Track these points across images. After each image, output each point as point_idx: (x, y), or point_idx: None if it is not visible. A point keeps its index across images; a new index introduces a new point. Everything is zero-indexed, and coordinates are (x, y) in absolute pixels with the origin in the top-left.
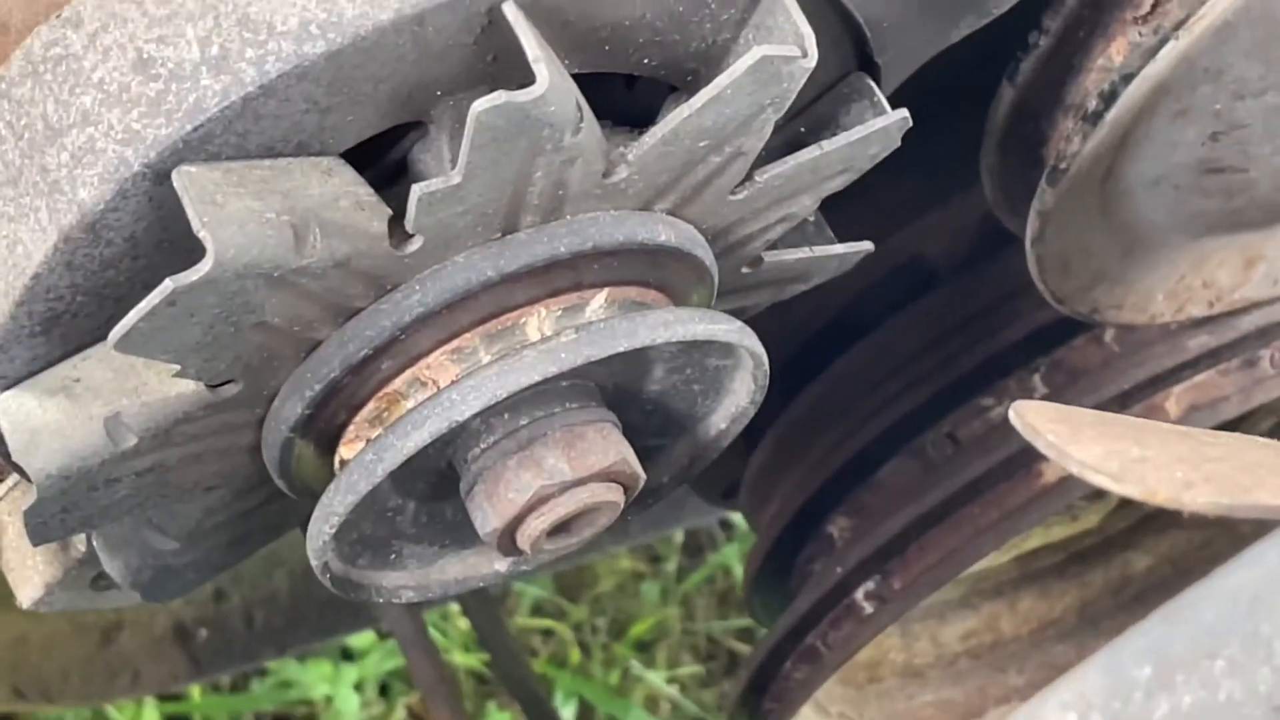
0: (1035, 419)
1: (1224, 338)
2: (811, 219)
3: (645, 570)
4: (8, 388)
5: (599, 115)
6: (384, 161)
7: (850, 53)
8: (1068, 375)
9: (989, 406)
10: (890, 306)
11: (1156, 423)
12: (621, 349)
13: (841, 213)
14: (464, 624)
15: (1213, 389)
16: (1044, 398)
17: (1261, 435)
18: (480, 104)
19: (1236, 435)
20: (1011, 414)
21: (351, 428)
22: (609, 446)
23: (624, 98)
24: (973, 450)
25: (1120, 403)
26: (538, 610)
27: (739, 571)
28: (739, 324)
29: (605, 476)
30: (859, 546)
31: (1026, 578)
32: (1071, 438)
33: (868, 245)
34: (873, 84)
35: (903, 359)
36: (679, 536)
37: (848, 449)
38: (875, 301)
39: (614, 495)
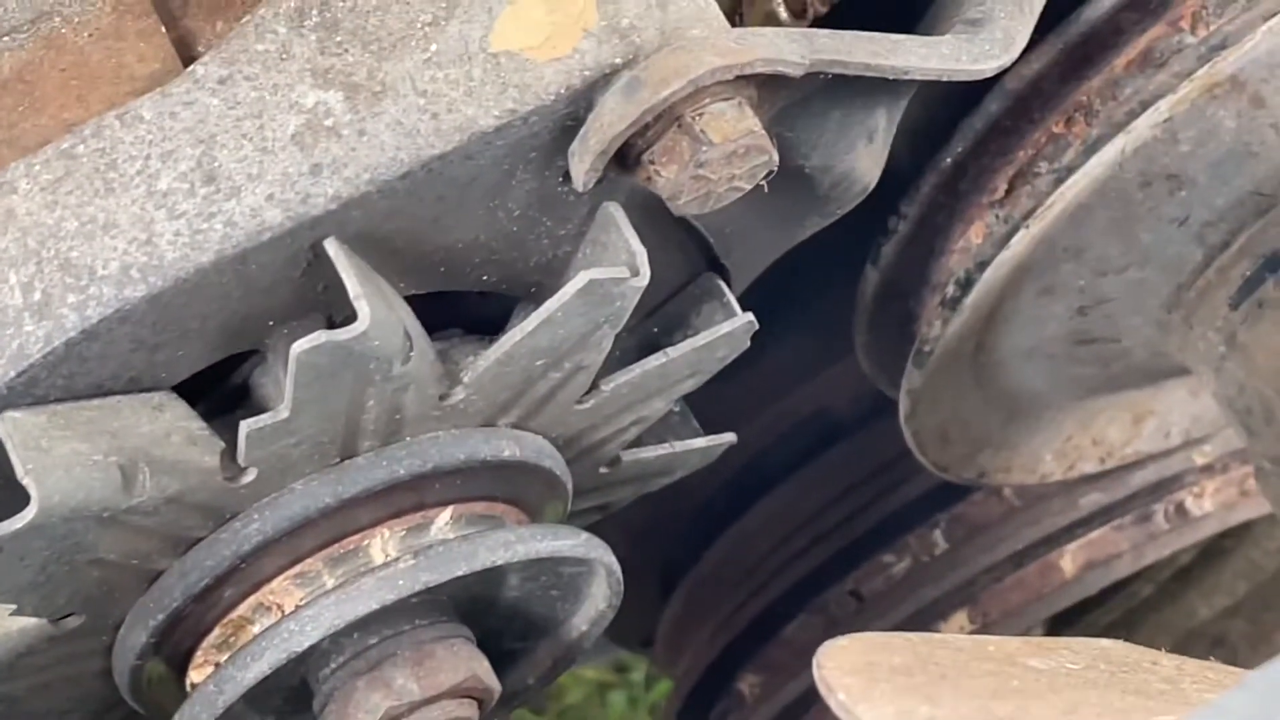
0: (833, 672)
1: (1117, 494)
2: (676, 410)
3: (613, 680)
4: None
5: (450, 324)
6: (226, 385)
7: (697, 255)
8: (968, 530)
9: (891, 563)
10: (795, 461)
11: (974, 646)
12: (461, 572)
13: (742, 371)
14: None
15: (1108, 545)
16: (944, 553)
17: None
18: (300, 345)
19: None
20: (815, 660)
21: (200, 653)
22: (459, 663)
23: (477, 304)
24: (876, 607)
25: (1016, 561)
26: None
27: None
28: (584, 537)
29: (456, 693)
30: (767, 705)
31: None
32: (863, 695)
33: (730, 437)
34: (722, 285)
35: (807, 515)
36: None
37: (754, 605)
38: (781, 456)
39: (466, 711)
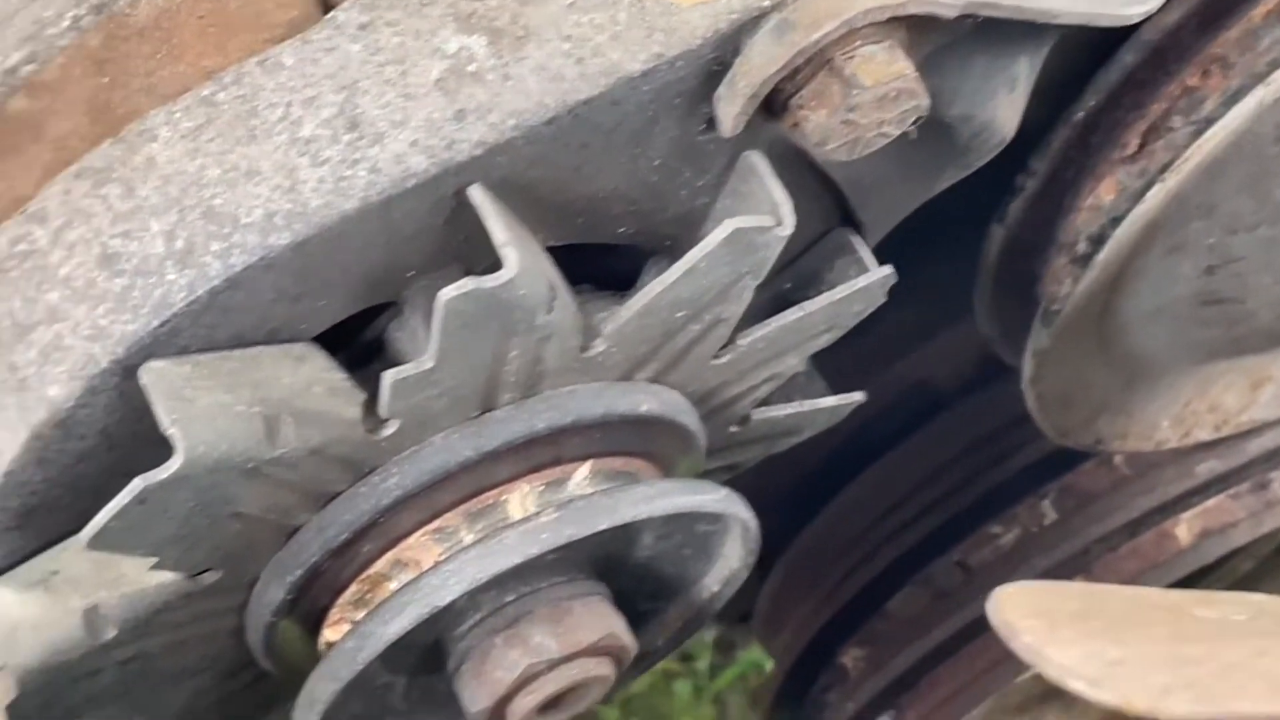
0: (1013, 614)
1: (1233, 462)
2: (803, 370)
3: (677, 669)
4: None
5: (580, 280)
6: (361, 339)
7: (832, 209)
8: (1078, 500)
9: (999, 534)
10: (898, 433)
11: (1144, 595)
12: (603, 526)
13: (846, 342)
14: None
15: (1223, 514)
16: (1053, 524)
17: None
18: (447, 292)
19: (1220, 622)
20: (989, 606)
21: (335, 610)
22: (597, 621)
23: (608, 259)
24: (984, 579)
25: (1130, 530)
26: None
27: (771, 668)
28: (724, 492)
29: (594, 651)
30: (873, 679)
31: (1050, 694)
32: (1049, 636)
33: (859, 396)
34: (856, 240)
35: (911, 486)
36: (710, 635)
37: (858, 578)
38: (884, 428)
39: (604, 669)
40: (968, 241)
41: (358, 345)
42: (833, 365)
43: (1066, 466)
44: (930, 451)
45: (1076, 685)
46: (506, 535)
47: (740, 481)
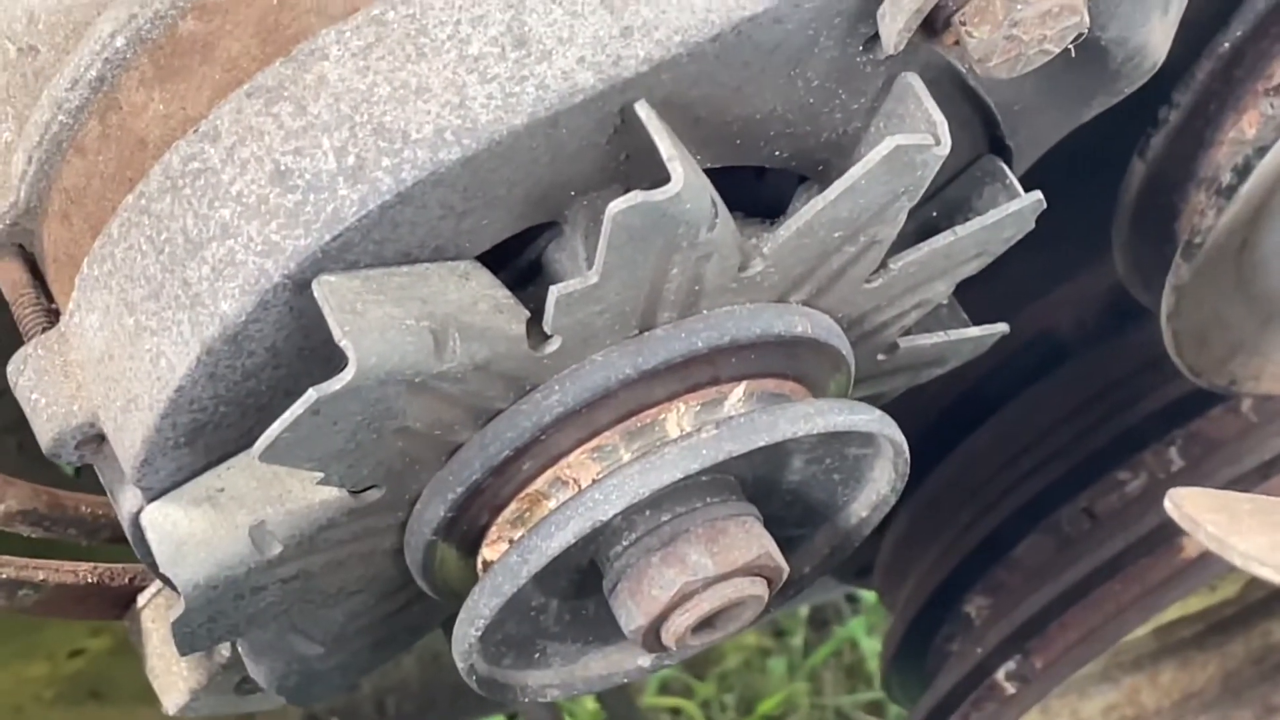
0: (1193, 508)
1: None
2: (945, 303)
3: (771, 645)
4: (153, 499)
5: (730, 208)
6: (519, 262)
7: (981, 135)
8: (1205, 447)
9: (1125, 480)
10: (1021, 382)
11: None
12: (762, 444)
13: (969, 290)
14: (592, 704)
15: None
16: (1180, 471)
17: None
18: (617, 204)
19: None
20: (1168, 503)
21: (494, 529)
22: (751, 541)
23: (754, 188)
24: (1111, 525)
25: (1262, 474)
26: (665, 688)
27: (866, 645)
28: (878, 413)
29: (749, 571)
30: (998, 626)
31: (1166, 650)
32: (1232, 528)
33: (1003, 327)
34: (1004, 166)
35: (1035, 435)
36: (804, 611)
37: (983, 527)
38: (1006, 377)
39: (758, 589)
40: (1093, 187)
41: (517, 266)
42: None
43: (1194, 413)
44: (1055, 399)
45: (1265, 572)
46: (667, 451)
47: None
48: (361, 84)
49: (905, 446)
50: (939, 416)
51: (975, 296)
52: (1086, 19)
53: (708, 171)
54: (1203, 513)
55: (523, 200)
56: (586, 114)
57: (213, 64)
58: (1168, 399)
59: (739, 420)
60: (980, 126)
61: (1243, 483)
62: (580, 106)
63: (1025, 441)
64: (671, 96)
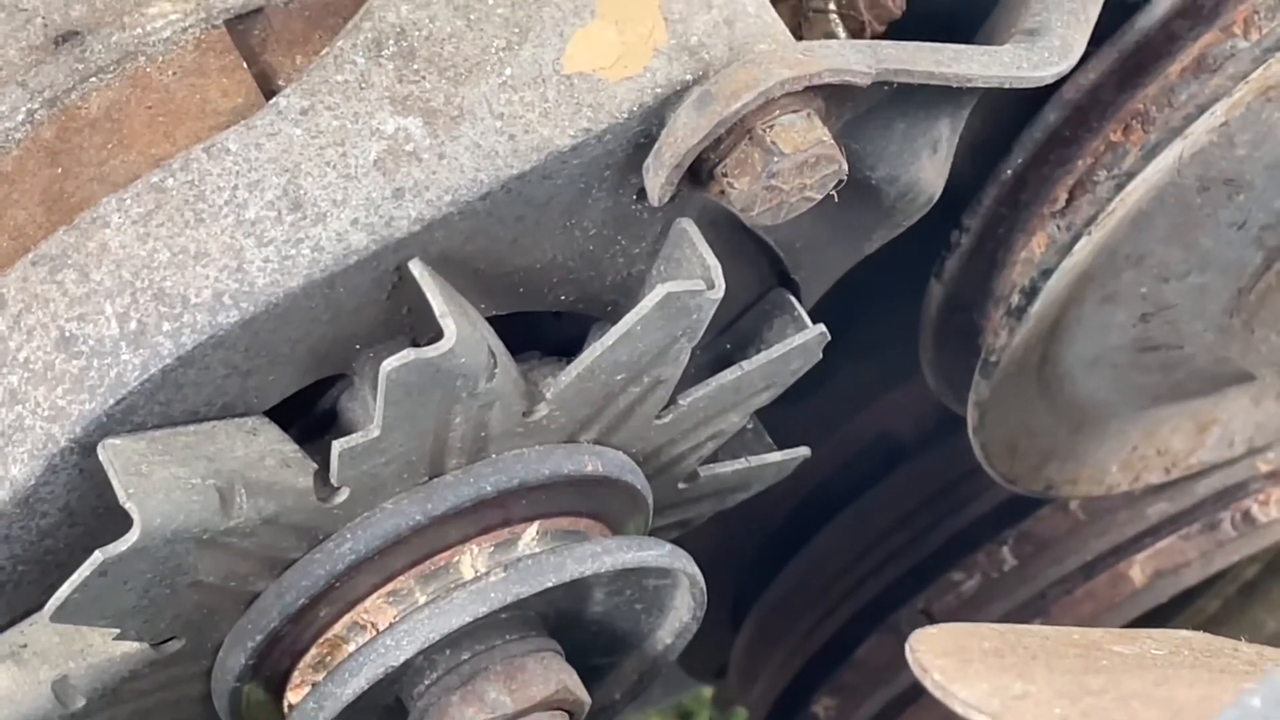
0: (926, 654)
1: (1183, 503)
2: (750, 427)
3: None
4: None
5: (528, 347)
6: (314, 412)
7: (769, 271)
8: (1036, 546)
9: (960, 581)
10: (862, 484)
11: (1059, 634)
12: (550, 584)
13: (805, 398)
14: None
15: (1176, 554)
16: (1013, 570)
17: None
18: (390, 362)
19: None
20: (908, 647)
21: (297, 673)
22: (550, 676)
23: (554, 327)
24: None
25: (1086, 573)
26: None
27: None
28: (669, 547)
29: (548, 705)
30: None
31: None
32: (958, 673)
33: (804, 451)
34: (793, 299)
35: (875, 537)
36: (709, 691)
37: (827, 628)
38: (848, 480)
39: None
40: (919, 297)
41: (311, 417)
42: (796, 420)
43: (1025, 513)
44: (893, 502)
45: (980, 719)
46: (457, 595)
47: (711, 537)
48: (142, 250)
49: (700, 577)
50: (785, 521)
51: (816, 401)
52: (845, 166)
53: (500, 317)
54: (935, 657)
55: (308, 356)
56: (362, 273)
57: (0, 233)
58: (999, 500)
59: (527, 562)
60: (767, 262)
61: (1067, 583)
62: (355, 267)
63: (865, 544)
64: (447, 252)
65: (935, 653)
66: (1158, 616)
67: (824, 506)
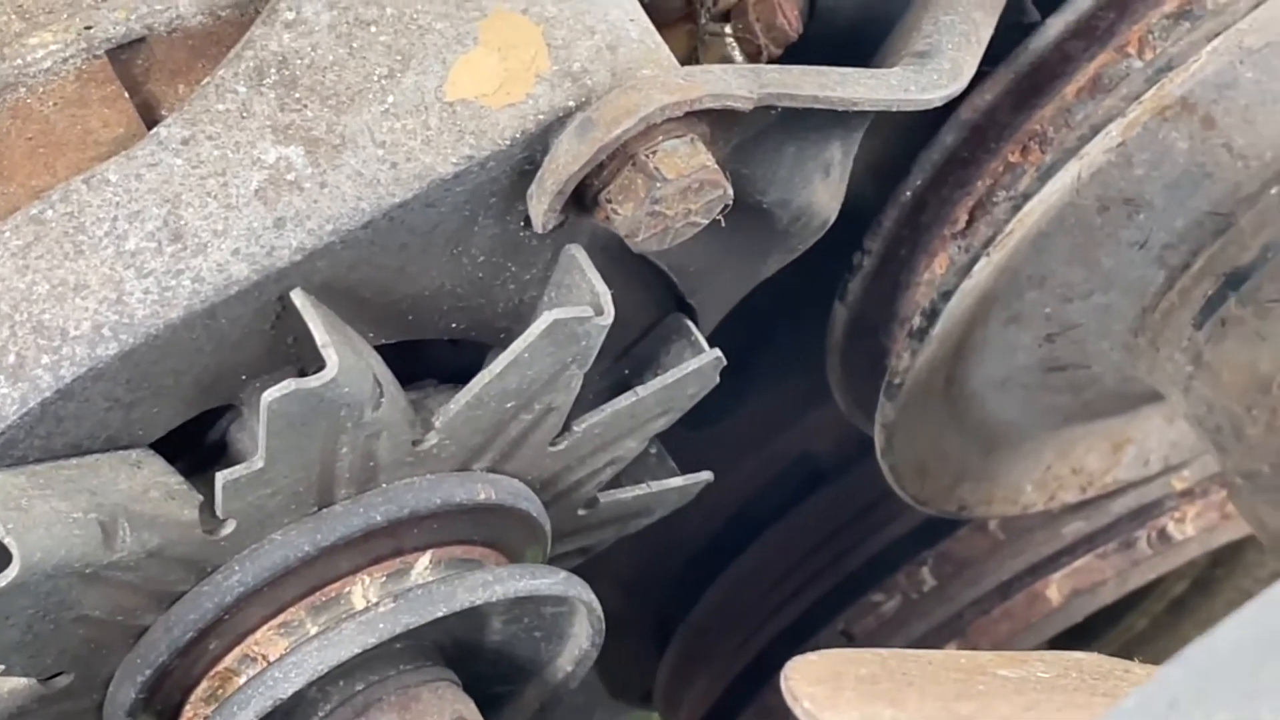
0: (798, 683)
1: (1099, 522)
2: (653, 451)
3: None
4: None
5: (423, 375)
6: (204, 443)
7: (666, 295)
8: (955, 566)
9: (880, 602)
10: (784, 505)
11: (944, 659)
12: (440, 614)
13: (726, 418)
14: None
15: (1093, 573)
16: (933, 589)
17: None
18: (270, 394)
19: (1017, 680)
20: (782, 675)
21: (189, 706)
22: (444, 706)
23: (451, 354)
24: (867, 645)
25: (1002, 593)
26: None
27: None
28: (562, 575)
29: None
30: None
31: None
32: (829, 701)
33: (707, 475)
34: (689, 323)
35: (797, 558)
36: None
37: (749, 650)
38: (770, 501)
39: None
40: None
41: (201, 447)
42: (718, 440)
43: (944, 533)
44: (814, 522)
45: None
46: (347, 626)
47: (636, 559)
48: (21, 283)
49: (596, 604)
50: (705, 543)
51: (738, 421)
52: (729, 190)
53: (397, 344)
54: (807, 685)
55: (192, 387)
56: (244, 304)
57: None
58: (919, 520)
59: (418, 592)
60: (662, 287)
61: (985, 603)
62: (237, 297)
63: (787, 565)
64: (331, 281)
65: (808, 680)
66: (1083, 636)
67: (747, 528)
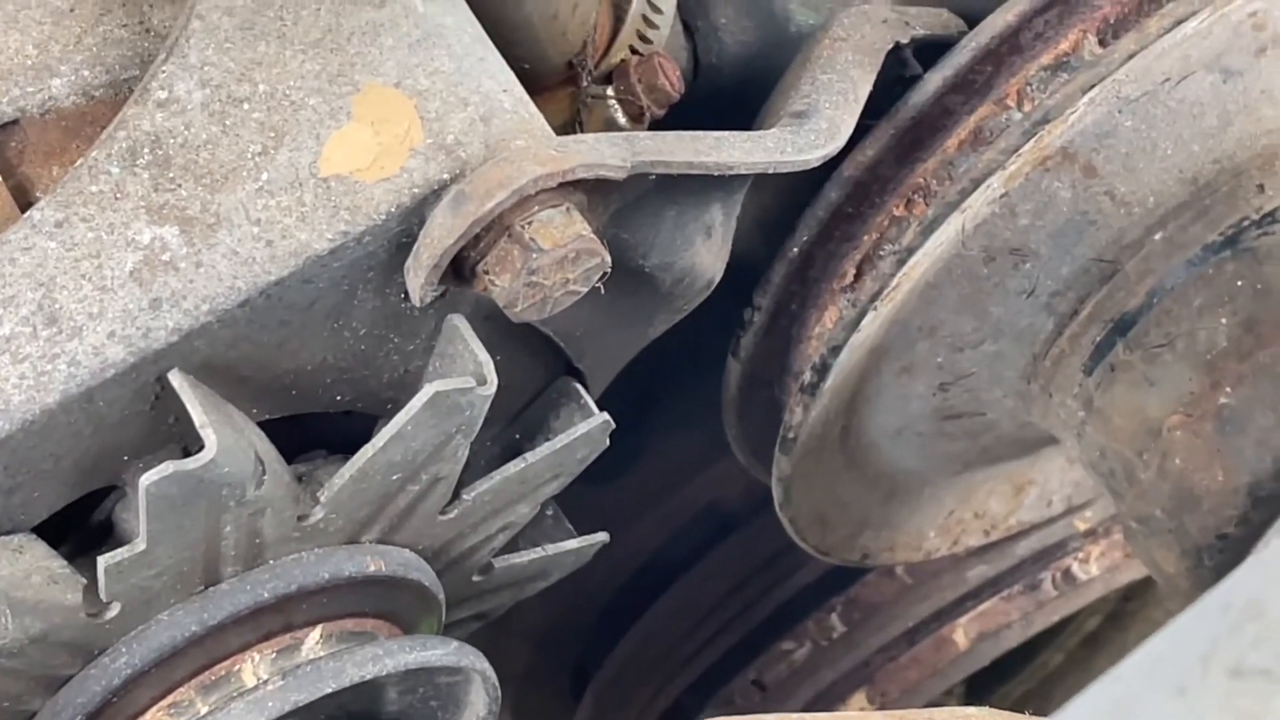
0: None
1: (1003, 565)
2: (549, 513)
3: None
4: None
5: (314, 445)
6: (90, 524)
7: (555, 360)
8: (863, 612)
9: (791, 650)
10: (694, 554)
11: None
12: (330, 689)
13: (633, 470)
14: None
15: (998, 616)
16: (842, 636)
17: (1088, 633)
18: (149, 477)
19: None
20: None
21: None
22: None
23: (343, 423)
24: (778, 694)
25: (909, 638)
26: None
27: None
28: (455, 645)
29: None
30: None
31: None
32: None
33: (602, 537)
34: (578, 387)
35: (707, 607)
36: None
37: (662, 701)
38: (680, 550)
39: None
40: None
41: (88, 528)
42: (627, 490)
43: (853, 579)
44: (725, 571)
45: None
46: (235, 705)
47: (551, 609)
48: None
49: (491, 671)
50: (622, 591)
51: (647, 470)
52: (607, 258)
53: (287, 418)
54: None
55: (73, 470)
56: (122, 386)
57: None
58: (828, 566)
59: (306, 668)
60: (550, 352)
61: (893, 649)
62: (114, 380)
63: (698, 615)
64: (210, 360)
65: None
66: (998, 673)
67: (659, 577)
